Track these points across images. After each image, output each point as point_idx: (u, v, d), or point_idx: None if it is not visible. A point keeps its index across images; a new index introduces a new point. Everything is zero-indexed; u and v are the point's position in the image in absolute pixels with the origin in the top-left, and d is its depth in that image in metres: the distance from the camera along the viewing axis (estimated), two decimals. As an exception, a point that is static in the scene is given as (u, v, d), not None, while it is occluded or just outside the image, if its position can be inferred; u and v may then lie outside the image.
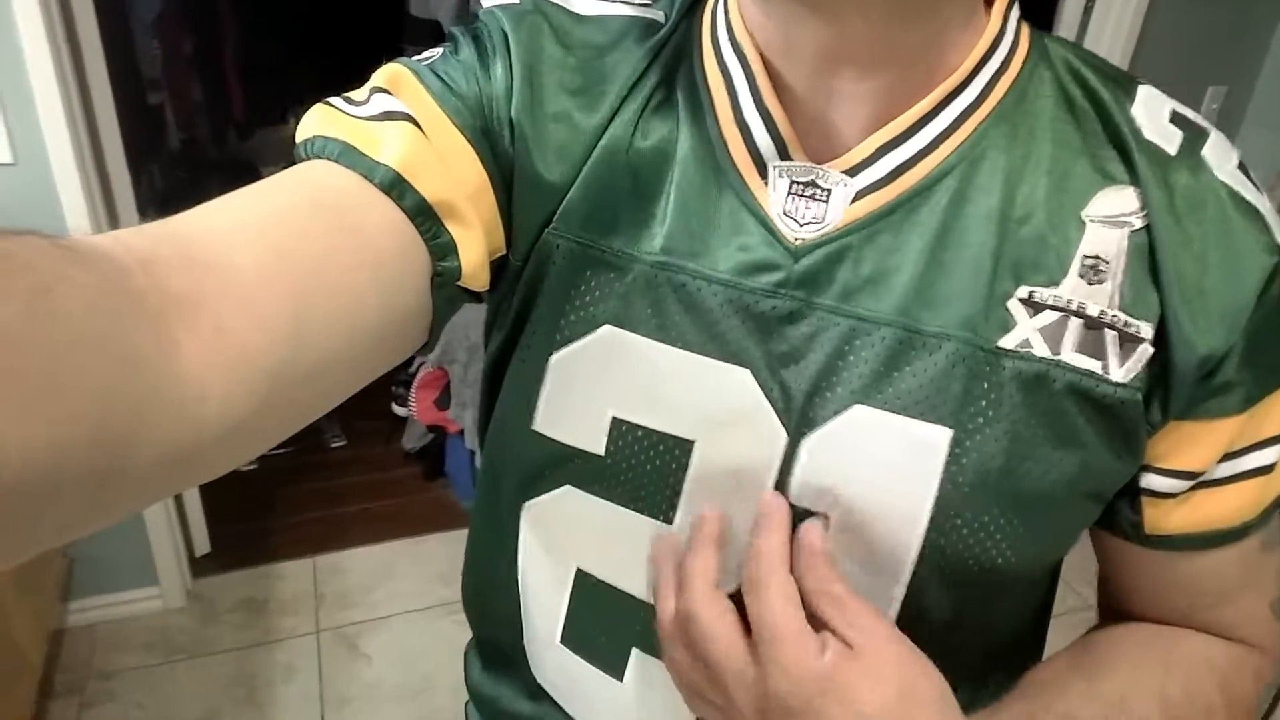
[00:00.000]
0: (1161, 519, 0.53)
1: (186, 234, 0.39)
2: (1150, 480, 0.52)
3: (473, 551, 0.69)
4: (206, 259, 0.38)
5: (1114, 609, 0.61)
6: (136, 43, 2.99)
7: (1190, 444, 0.50)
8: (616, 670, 0.59)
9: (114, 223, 1.87)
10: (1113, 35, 2.10)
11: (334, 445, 2.78)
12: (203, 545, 2.32)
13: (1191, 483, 0.51)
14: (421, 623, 2.20)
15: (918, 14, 0.45)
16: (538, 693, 0.66)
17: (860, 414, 0.48)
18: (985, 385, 0.47)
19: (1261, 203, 0.49)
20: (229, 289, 0.38)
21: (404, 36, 2.38)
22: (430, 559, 2.39)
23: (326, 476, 2.68)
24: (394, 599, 2.26)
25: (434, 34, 2.22)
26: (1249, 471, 0.52)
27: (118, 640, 2.09)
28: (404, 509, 2.58)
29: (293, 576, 2.32)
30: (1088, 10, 2.13)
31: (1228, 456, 0.51)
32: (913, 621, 0.51)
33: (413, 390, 2.50)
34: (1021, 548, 0.50)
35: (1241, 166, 0.50)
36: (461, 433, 2.44)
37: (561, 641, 0.61)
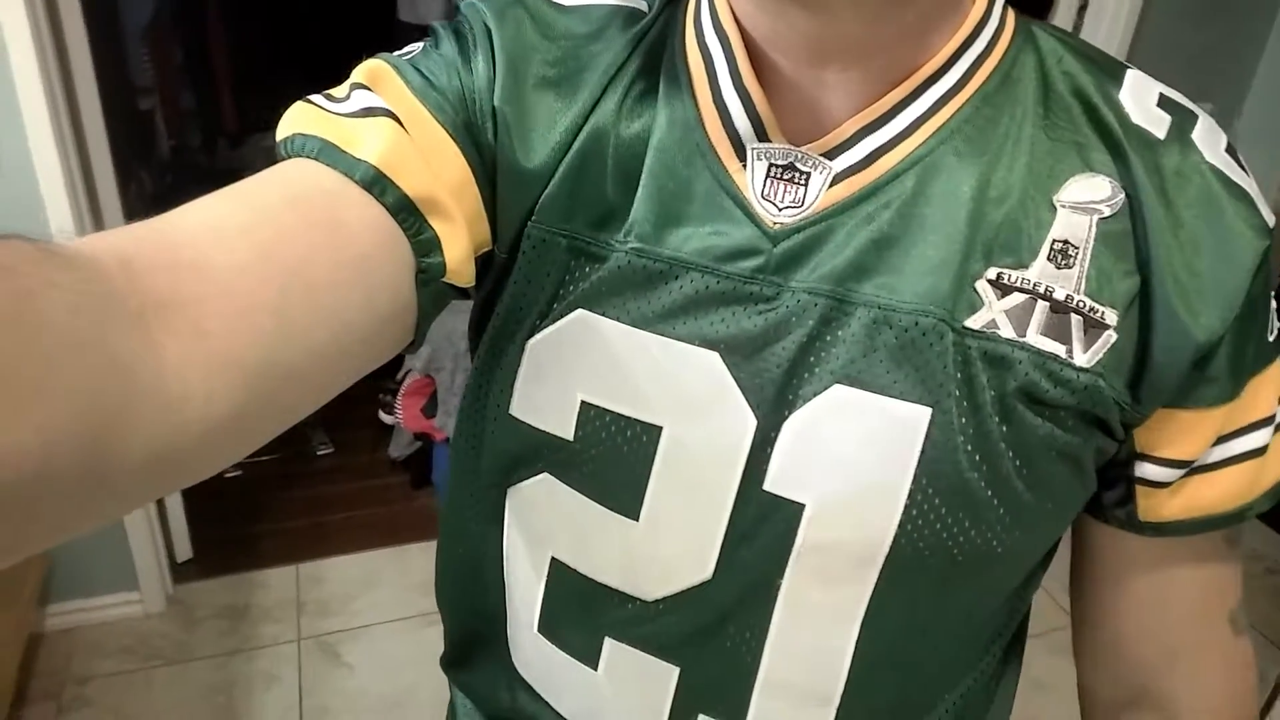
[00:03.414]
0: (1157, 508, 0.53)
1: (167, 235, 0.39)
2: (1145, 469, 0.51)
3: (448, 544, 0.68)
4: (187, 259, 0.38)
5: (1087, 663, 0.62)
6: (127, 49, 2.98)
7: (1185, 432, 0.50)
8: (591, 659, 0.59)
9: (100, 229, 1.86)
10: (1100, 51, 2.11)
11: (320, 453, 2.77)
12: (184, 551, 2.31)
13: (1185, 471, 0.51)
14: (404, 632, 2.18)
15: (906, 3, 0.45)
16: (516, 683, 0.65)
17: (840, 394, 0.48)
18: (958, 363, 0.47)
19: (1250, 185, 0.49)
20: (210, 289, 0.38)
21: (394, 42, 2.39)
22: (414, 568, 2.37)
23: (312, 484, 2.66)
24: (376, 608, 2.24)
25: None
26: (1241, 455, 0.51)
27: (95, 645, 2.06)
28: (389, 517, 2.56)
29: (275, 584, 2.30)
30: (1075, 30, 2.15)
31: (1218, 441, 0.51)
32: (880, 612, 0.51)
33: (399, 397, 2.49)
34: (999, 530, 0.49)
35: (1230, 149, 0.50)
36: (448, 440, 2.43)
37: (538, 629, 0.61)
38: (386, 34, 2.40)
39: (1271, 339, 0.50)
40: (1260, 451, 0.51)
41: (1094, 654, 0.62)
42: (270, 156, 0.50)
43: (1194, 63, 2.20)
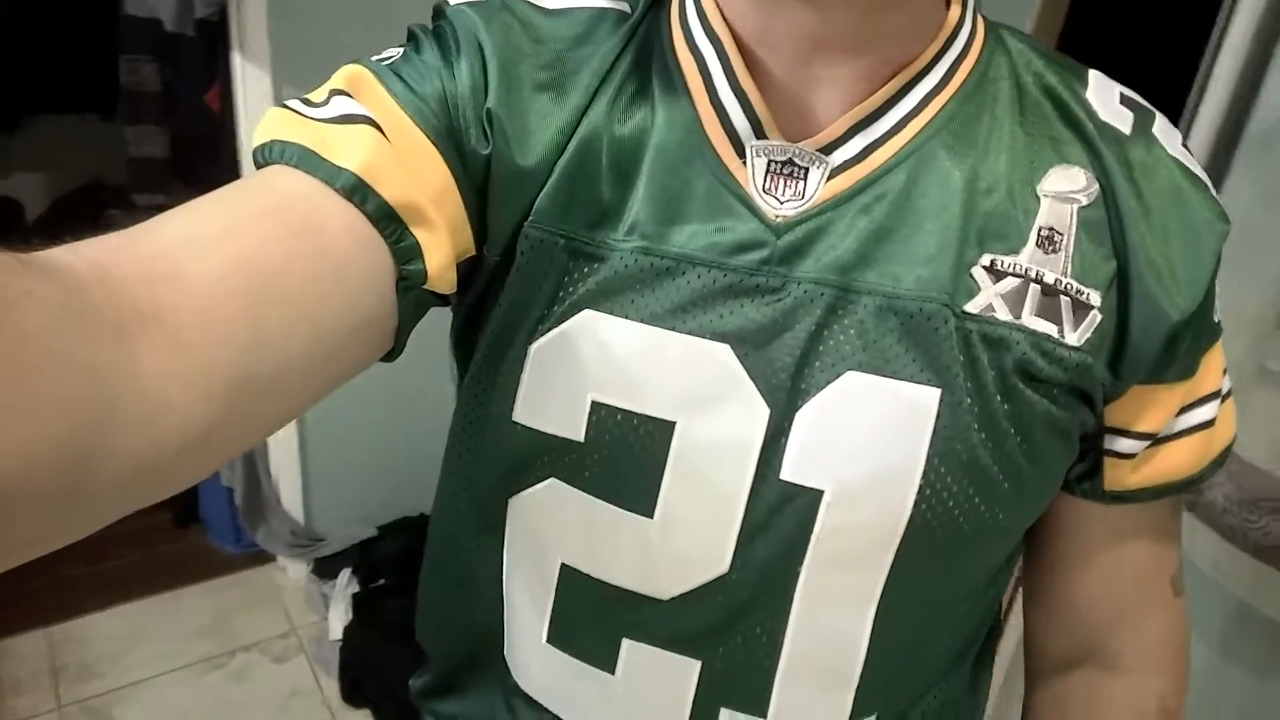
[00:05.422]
0: (1122, 479, 0.56)
1: (144, 245, 0.39)
2: (1117, 443, 0.55)
3: (439, 566, 0.66)
4: (164, 270, 0.38)
5: (1036, 620, 0.66)
6: None
7: (1154, 407, 0.54)
8: (608, 663, 0.58)
9: None
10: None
11: (63, 500, 2.48)
12: (-97, 630, 2.00)
13: (1149, 443, 0.55)
14: (183, 682, 1.99)
15: (897, 2, 0.48)
16: (517, 700, 0.64)
17: (853, 380, 0.49)
18: (961, 345, 0.49)
19: (1205, 176, 0.53)
20: (187, 300, 0.37)
21: (120, 41, 2.17)
22: (189, 613, 2.18)
23: (56, 536, 2.37)
24: (149, 661, 2.04)
25: (154, 35, 2.04)
26: (1195, 427, 0.55)
27: None
28: (153, 562, 2.33)
29: (24, 652, 2.04)
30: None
31: (1177, 414, 0.55)
32: (895, 590, 0.52)
33: (155, 429, 2.27)
34: (1005, 503, 0.51)
35: (1184, 144, 0.54)
36: (218, 473, 2.24)
37: (548, 640, 0.60)
38: (111, 28, 2.18)
39: (1216, 319, 0.55)
40: (1210, 423, 0.56)
41: (1045, 612, 0.65)
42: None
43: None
